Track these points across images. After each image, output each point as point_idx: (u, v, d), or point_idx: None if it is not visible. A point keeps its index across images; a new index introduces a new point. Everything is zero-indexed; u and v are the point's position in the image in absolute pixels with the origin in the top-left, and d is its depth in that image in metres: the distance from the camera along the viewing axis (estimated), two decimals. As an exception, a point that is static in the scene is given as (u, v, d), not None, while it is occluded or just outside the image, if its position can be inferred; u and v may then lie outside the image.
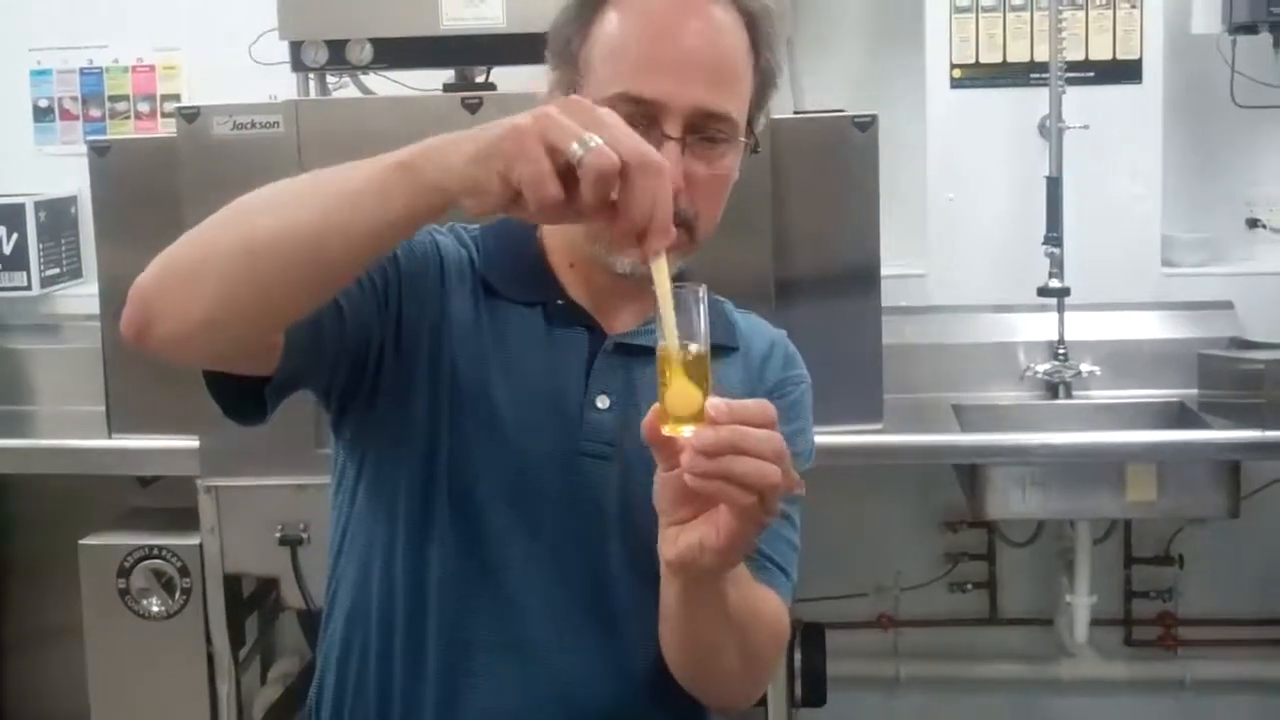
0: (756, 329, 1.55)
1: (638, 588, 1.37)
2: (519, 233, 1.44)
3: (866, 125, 2.87)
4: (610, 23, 1.36)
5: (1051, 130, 3.34)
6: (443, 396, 1.37)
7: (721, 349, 1.41)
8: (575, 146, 1.04)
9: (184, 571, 2.92)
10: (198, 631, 2.94)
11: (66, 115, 3.73)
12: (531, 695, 1.37)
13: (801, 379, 1.53)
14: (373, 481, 1.42)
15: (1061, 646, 3.59)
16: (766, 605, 1.38)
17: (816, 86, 3.40)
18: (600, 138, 1.04)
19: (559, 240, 1.44)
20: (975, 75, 3.51)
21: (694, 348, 1.15)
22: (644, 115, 1.30)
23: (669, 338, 1.14)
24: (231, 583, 2.94)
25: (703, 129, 1.33)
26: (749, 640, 1.34)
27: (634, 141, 1.06)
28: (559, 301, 1.42)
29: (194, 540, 2.91)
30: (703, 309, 1.17)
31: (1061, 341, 3.40)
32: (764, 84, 1.41)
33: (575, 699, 1.38)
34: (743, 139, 1.38)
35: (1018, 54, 3.48)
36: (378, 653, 1.40)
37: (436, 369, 1.38)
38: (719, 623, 1.29)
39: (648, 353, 1.35)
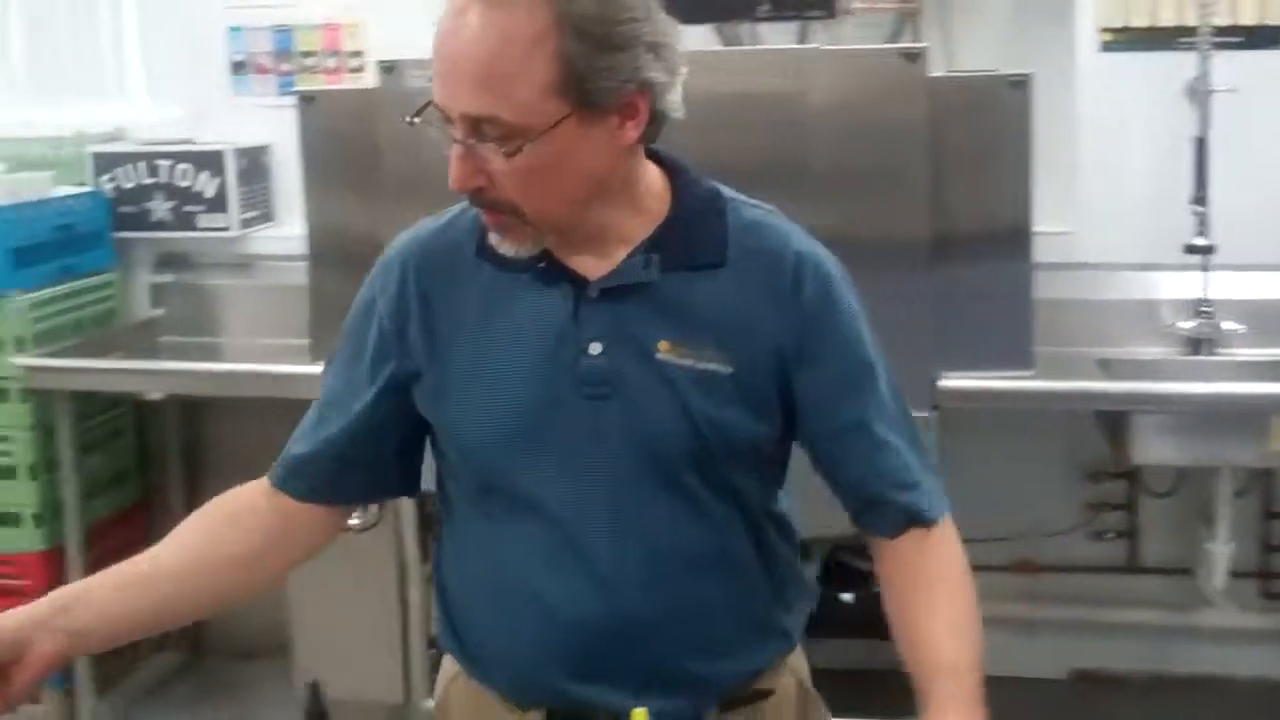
0: (761, 233, 1.55)
1: (666, 503, 1.51)
2: None
3: (1020, 84, 2.98)
4: None
5: (1198, 93, 3.43)
6: (448, 376, 1.54)
7: (697, 268, 1.50)
8: None
9: (380, 488, 3.15)
10: (391, 543, 3.17)
11: (260, 70, 3.99)
12: (570, 592, 1.52)
13: (826, 293, 1.54)
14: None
15: (1200, 596, 3.69)
16: (964, 614, 1.53)
17: (967, 49, 3.54)
18: None
19: None
20: (1124, 39, 3.60)
21: None
22: (444, 117, 1.40)
23: None
24: (422, 499, 3.15)
25: (478, 132, 1.38)
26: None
27: None
28: (540, 265, 1.50)
29: (389, 459, 3.13)
30: None
31: (1205, 299, 3.50)
32: (579, 64, 1.36)
33: (611, 603, 1.51)
34: (533, 133, 1.37)
35: (1166, 18, 3.57)
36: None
37: (436, 363, 1.55)
38: None
39: (628, 290, 1.49)
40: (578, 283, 1.50)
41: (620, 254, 1.50)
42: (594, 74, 1.38)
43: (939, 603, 1.53)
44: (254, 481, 1.64)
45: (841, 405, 1.54)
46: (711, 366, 1.49)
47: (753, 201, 1.59)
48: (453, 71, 1.37)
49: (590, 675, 1.52)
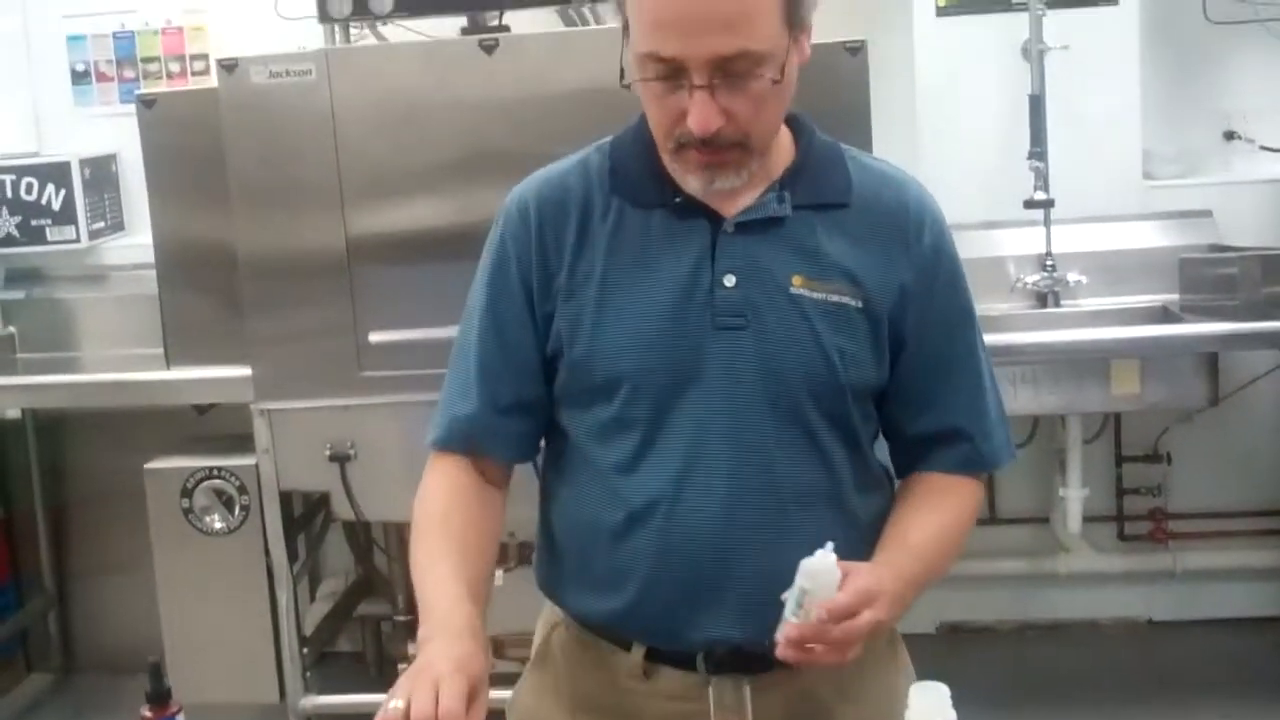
0: (881, 180, 1.62)
1: (785, 436, 1.55)
2: (641, 147, 1.59)
3: (856, 50, 3.04)
4: None
5: (1032, 52, 3.53)
6: (584, 310, 1.57)
7: (827, 206, 1.58)
8: (392, 703, 1.33)
9: (242, 490, 3.14)
10: (257, 545, 3.16)
11: (102, 77, 3.93)
12: (695, 539, 1.54)
13: (939, 240, 1.61)
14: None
15: (1058, 542, 3.81)
16: (951, 527, 1.61)
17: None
18: (404, 700, 1.32)
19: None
20: (960, 3, 3.69)
21: None
22: (672, 69, 1.43)
23: None
24: (285, 500, 3.15)
25: (727, 70, 1.43)
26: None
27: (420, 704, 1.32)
28: (677, 200, 1.56)
29: (250, 460, 3.12)
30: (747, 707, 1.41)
31: (1049, 253, 3.59)
32: None
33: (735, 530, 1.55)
34: (775, 59, 1.45)
35: (1000, -21, 3.67)
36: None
37: (573, 299, 1.58)
38: None
39: (764, 225, 1.56)
40: (713, 218, 1.56)
41: (751, 195, 1.56)
42: None
43: (939, 516, 1.60)
44: (444, 462, 1.63)
45: (945, 342, 1.62)
46: (843, 299, 1.56)
47: (865, 153, 1.67)
48: (697, 18, 1.41)
49: (697, 605, 1.54)
